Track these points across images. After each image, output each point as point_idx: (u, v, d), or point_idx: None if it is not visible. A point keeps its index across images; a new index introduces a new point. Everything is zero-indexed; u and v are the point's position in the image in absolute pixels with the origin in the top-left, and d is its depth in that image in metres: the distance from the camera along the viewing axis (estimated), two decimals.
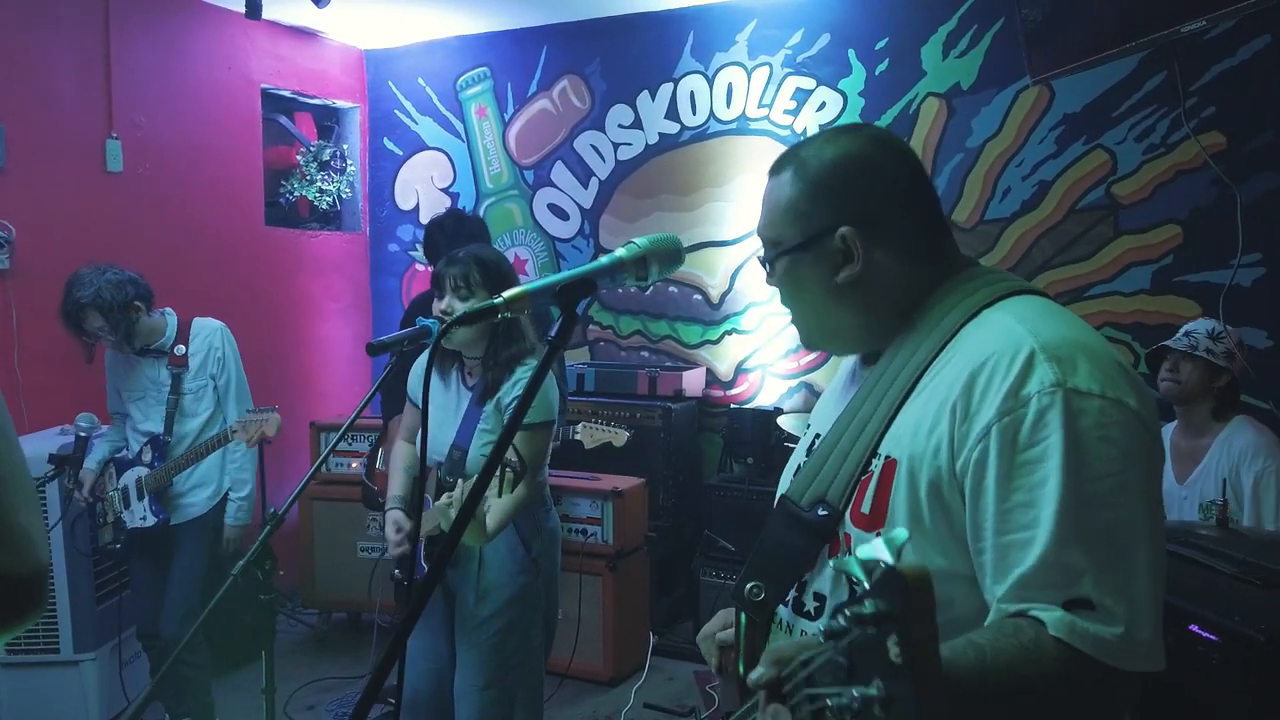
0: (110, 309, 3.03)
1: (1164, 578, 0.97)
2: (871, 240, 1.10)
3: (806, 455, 1.24)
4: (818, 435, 1.24)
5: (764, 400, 4.58)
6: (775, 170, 1.19)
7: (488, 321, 2.47)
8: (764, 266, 1.21)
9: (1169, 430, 3.02)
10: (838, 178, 1.12)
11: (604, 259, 1.22)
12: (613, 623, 3.98)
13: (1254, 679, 1.36)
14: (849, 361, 1.31)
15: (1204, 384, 2.82)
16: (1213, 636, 1.45)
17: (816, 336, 1.23)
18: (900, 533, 0.74)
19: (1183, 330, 2.90)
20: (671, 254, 1.26)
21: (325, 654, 4.40)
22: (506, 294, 1.17)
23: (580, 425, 3.69)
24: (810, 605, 1.13)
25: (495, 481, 2.27)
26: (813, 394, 4.48)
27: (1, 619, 0.68)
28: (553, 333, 1.13)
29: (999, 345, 0.99)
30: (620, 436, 3.63)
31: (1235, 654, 1.41)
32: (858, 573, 0.78)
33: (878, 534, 1.01)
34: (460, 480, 2.42)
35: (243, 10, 4.26)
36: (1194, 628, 1.48)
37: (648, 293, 4.85)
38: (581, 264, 4.66)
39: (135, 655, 3.56)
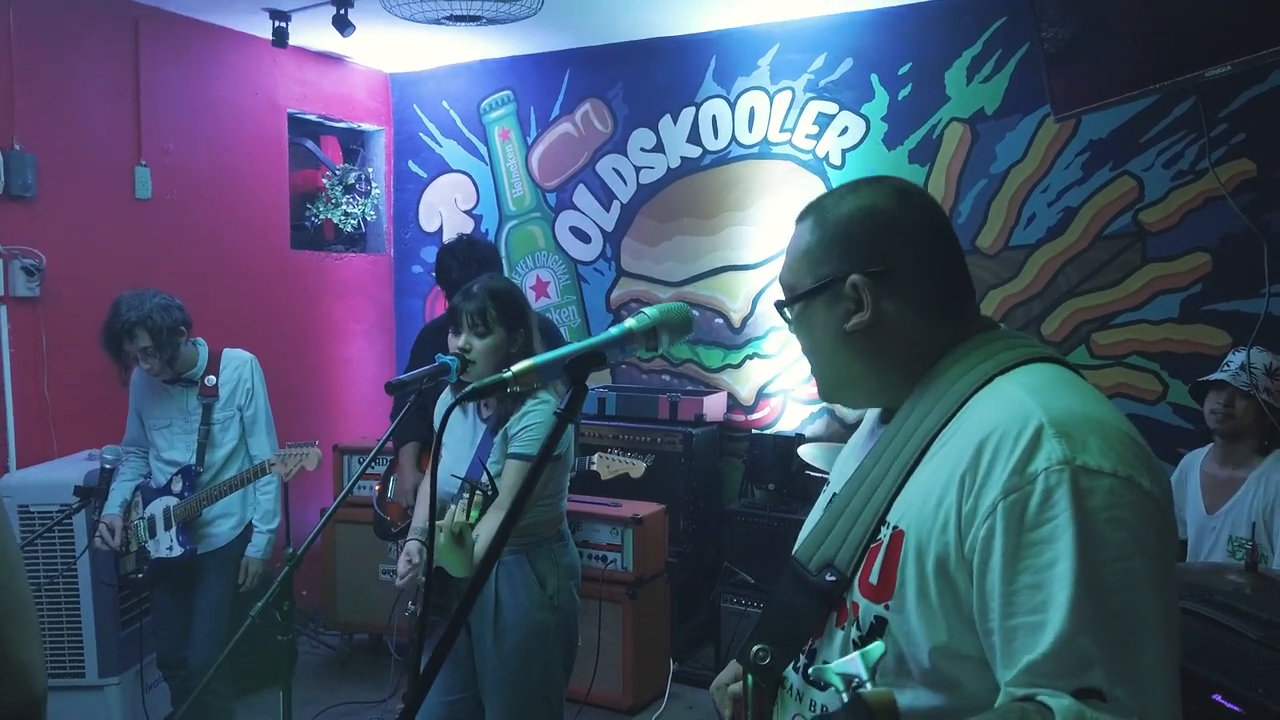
0: (159, 330, 3.07)
1: (1178, 669, 0.94)
2: (882, 290, 1.10)
3: (823, 512, 1.23)
4: (834, 493, 1.22)
5: (786, 425, 4.56)
6: (800, 218, 1.21)
7: (504, 353, 2.49)
8: (780, 313, 1.22)
9: (1200, 457, 2.97)
10: (854, 227, 1.13)
11: (614, 330, 1.23)
12: (632, 650, 3.97)
13: None
14: (870, 417, 1.29)
15: (1257, 422, 2.77)
16: (1237, 708, 1.42)
17: (831, 386, 1.22)
18: (876, 648, 0.74)
19: (1238, 362, 2.80)
20: (681, 324, 1.27)
21: (347, 677, 4.42)
22: (515, 369, 1.17)
23: (597, 456, 3.67)
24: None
25: (465, 505, 2.27)
26: (834, 420, 4.46)
27: None
28: (562, 404, 1.13)
29: (1007, 417, 0.97)
30: (638, 468, 3.61)
31: None
32: (837, 683, 0.76)
33: (886, 606, 1.02)
34: (452, 505, 2.41)
35: (269, 37, 4.33)
36: (1217, 697, 1.45)
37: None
38: (603, 286, 4.67)
39: (158, 680, 3.59)
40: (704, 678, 4.19)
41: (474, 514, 2.19)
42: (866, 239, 1.12)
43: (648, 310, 1.25)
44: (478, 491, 2.16)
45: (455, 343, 2.58)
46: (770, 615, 1.18)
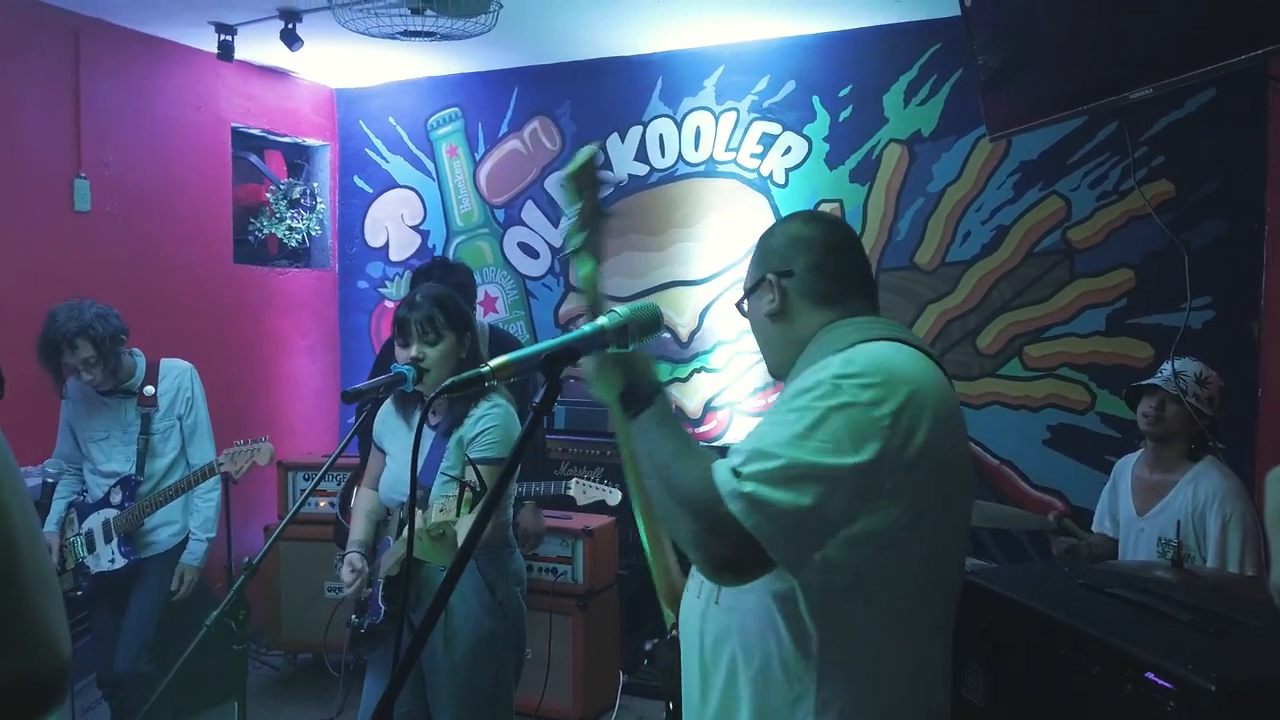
0: (101, 340, 3.04)
1: (819, 516, 1.22)
2: (787, 285, 1.47)
3: None
4: None
5: (733, 438, 4.64)
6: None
7: (454, 358, 2.52)
8: (739, 310, 1.58)
9: (1131, 461, 3.08)
10: (774, 243, 1.52)
11: (587, 327, 1.28)
12: (582, 662, 3.98)
13: None
14: None
15: (1186, 426, 2.86)
16: (1169, 685, 1.50)
17: (768, 361, 1.55)
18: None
19: (1173, 369, 2.88)
20: (651, 322, 1.33)
21: (290, 697, 4.35)
22: (494, 363, 1.22)
23: (574, 482, 3.71)
24: None
25: (453, 501, 2.29)
26: None
27: (26, 716, 0.69)
28: (537, 399, 1.18)
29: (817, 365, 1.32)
30: (614, 496, 3.67)
31: (1189, 702, 1.47)
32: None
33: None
34: (430, 506, 2.42)
35: (214, 51, 4.30)
36: (1150, 675, 1.54)
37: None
38: (551, 302, 4.70)
39: (95, 702, 3.50)
40: (654, 689, 4.21)
41: (464, 510, 2.20)
42: (780, 250, 1.49)
43: (619, 309, 1.31)
44: (467, 489, 2.18)
45: (405, 354, 2.57)
46: None
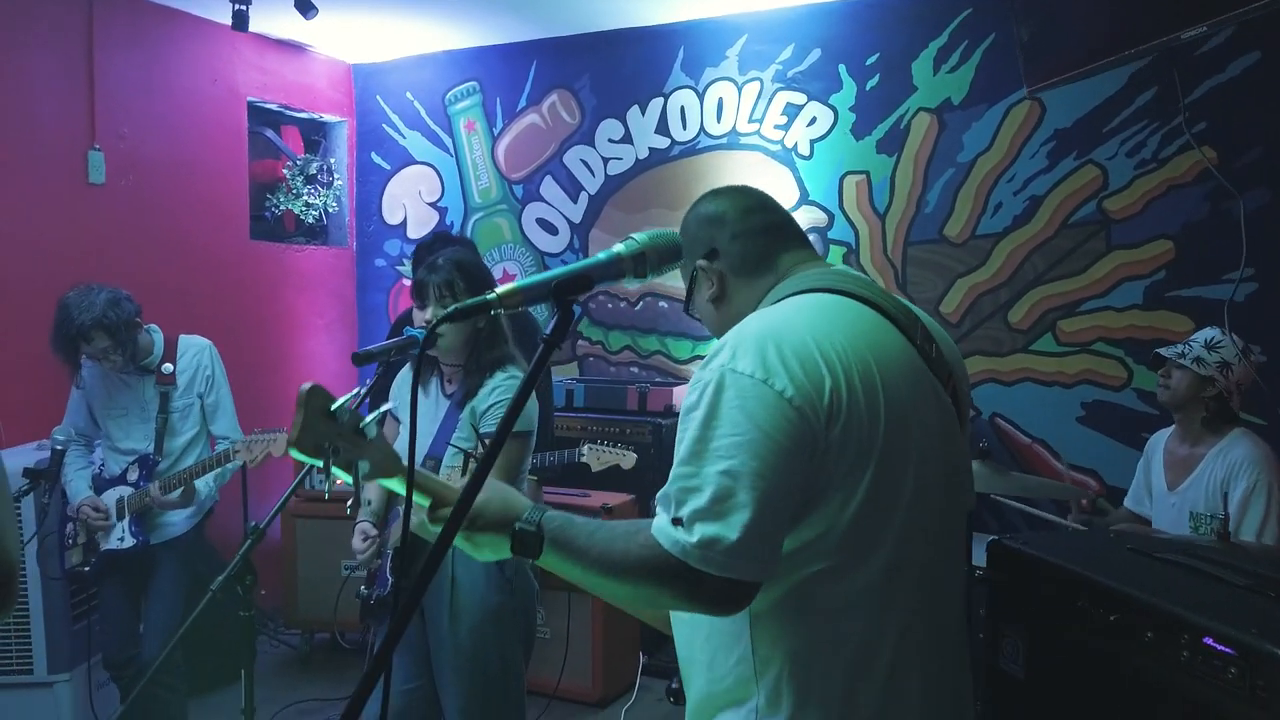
0: (116, 328, 2.96)
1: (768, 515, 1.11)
2: (717, 265, 1.40)
3: None
4: None
5: None
6: None
7: (472, 326, 2.45)
8: (688, 314, 1.51)
9: (1164, 436, 3.00)
10: (691, 232, 1.44)
11: (601, 254, 1.19)
12: (601, 643, 3.90)
13: (1273, 693, 1.31)
14: None
15: (1192, 392, 2.81)
16: (1230, 650, 1.40)
17: None
18: None
19: (1189, 339, 2.90)
20: (671, 250, 1.23)
21: (307, 675, 4.30)
22: (500, 289, 1.13)
23: (586, 447, 3.60)
24: None
25: (459, 473, 2.22)
26: None
27: None
28: (547, 330, 1.09)
29: (708, 355, 1.22)
30: (628, 459, 3.56)
31: (1252, 667, 1.36)
32: None
33: None
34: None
35: (229, 22, 4.23)
36: (1209, 640, 1.44)
37: (638, 308, 4.80)
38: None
39: (108, 680, 3.46)
40: (674, 670, 4.13)
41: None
42: (698, 235, 1.43)
43: (636, 235, 1.21)
44: (472, 461, 2.10)
45: (422, 316, 2.52)
46: None
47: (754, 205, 1.43)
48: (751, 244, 1.39)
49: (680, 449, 1.16)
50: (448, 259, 2.49)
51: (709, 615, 1.19)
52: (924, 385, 1.25)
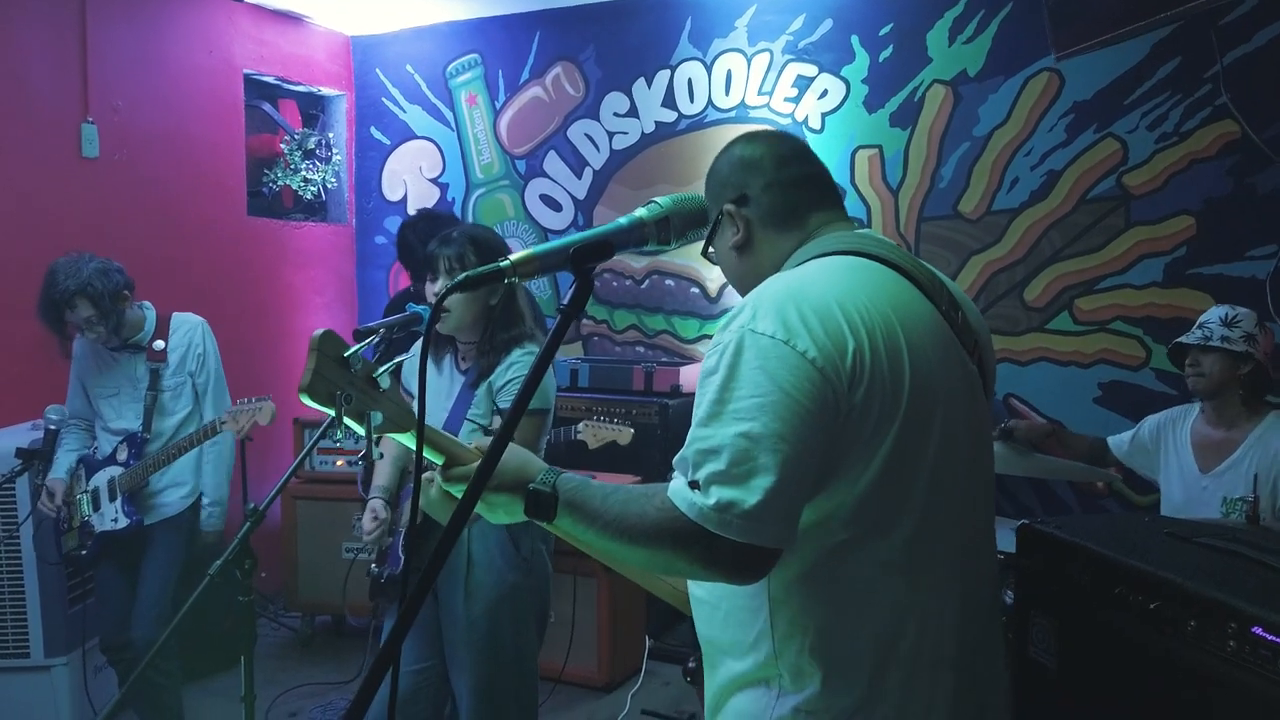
0: (101, 297, 2.89)
1: (793, 478, 1.06)
2: (746, 212, 1.32)
3: None
4: None
5: None
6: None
7: (483, 301, 2.37)
8: (706, 257, 1.40)
9: (1191, 416, 2.92)
10: (722, 174, 1.35)
11: (623, 219, 1.12)
12: (608, 626, 3.85)
13: None
14: None
15: (1228, 373, 2.73)
16: (1278, 639, 1.32)
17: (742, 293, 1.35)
18: None
19: (1197, 323, 2.82)
20: (696, 214, 1.16)
21: (309, 658, 4.24)
22: (514, 256, 1.05)
23: (582, 424, 3.52)
24: None
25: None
26: None
27: None
28: (565, 300, 1.00)
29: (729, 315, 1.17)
30: (625, 434, 3.47)
31: None
32: None
33: None
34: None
35: None
36: (1258, 630, 1.36)
37: (644, 286, 4.72)
38: None
39: (105, 664, 3.40)
40: (680, 654, 4.08)
41: None
42: (730, 179, 1.34)
43: (660, 199, 1.13)
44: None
45: (431, 290, 2.45)
46: None
47: (791, 154, 1.36)
48: (783, 196, 1.32)
49: (698, 411, 1.11)
50: (463, 232, 2.42)
51: (727, 583, 1.14)
52: (950, 351, 1.21)
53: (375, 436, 1.15)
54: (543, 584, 2.54)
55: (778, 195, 1.32)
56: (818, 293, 1.13)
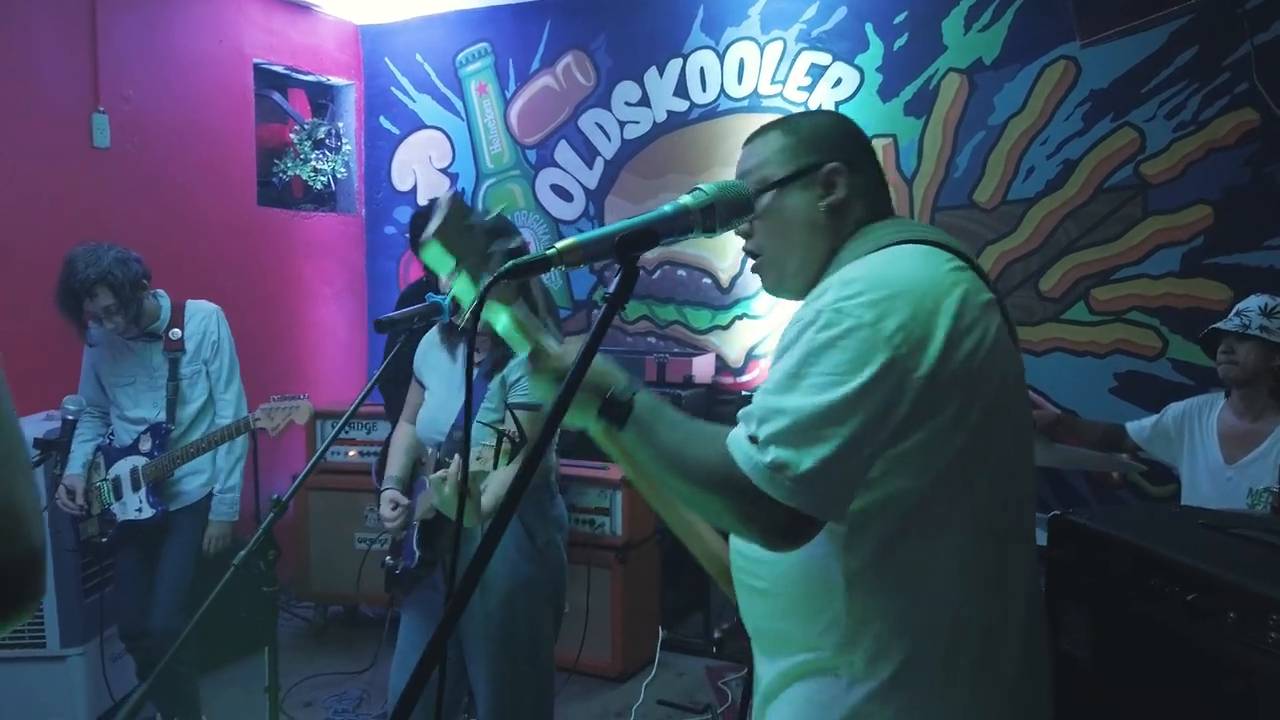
0: (121, 286, 2.88)
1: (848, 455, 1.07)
2: (848, 179, 1.28)
3: None
4: None
5: None
6: (758, 135, 1.34)
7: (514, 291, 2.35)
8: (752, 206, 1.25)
9: (1217, 406, 2.90)
10: (825, 130, 1.32)
11: (667, 206, 1.10)
12: (622, 617, 3.84)
13: None
14: None
15: (1262, 363, 2.70)
16: None
17: (784, 274, 1.32)
18: None
19: (1234, 310, 2.78)
20: (741, 202, 1.14)
21: (322, 649, 4.25)
22: (560, 244, 1.03)
23: None
24: None
25: (490, 452, 2.12)
26: None
27: None
28: (610, 289, 0.99)
29: (833, 277, 1.17)
30: None
31: None
32: None
33: None
34: (455, 457, 2.26)
35: None
36: None
37: (655, 276, 4.70)
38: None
39: (122, 652, 3.40)
40: (694, 645, 4.08)
41: (503, 461, 2.03)
42: (836, 139, 1.31)
43: (704, 185, 1.12)
44: (505, 439, 2.00)
45: (448, 281, 2.42)
46: None
47: (870, 145, 1.36)
48: (880, 179, 1.32)
49: (773, 376, 1.12)
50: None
51: (761, 544, 1.13)
52: (1011, 339, 1.22)
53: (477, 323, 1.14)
54: (558, 575, 2.53)
55: (876, 177, 1.32)
56: (900, 276, 1.13)
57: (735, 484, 1.07)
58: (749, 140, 1.35)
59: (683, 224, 1.09)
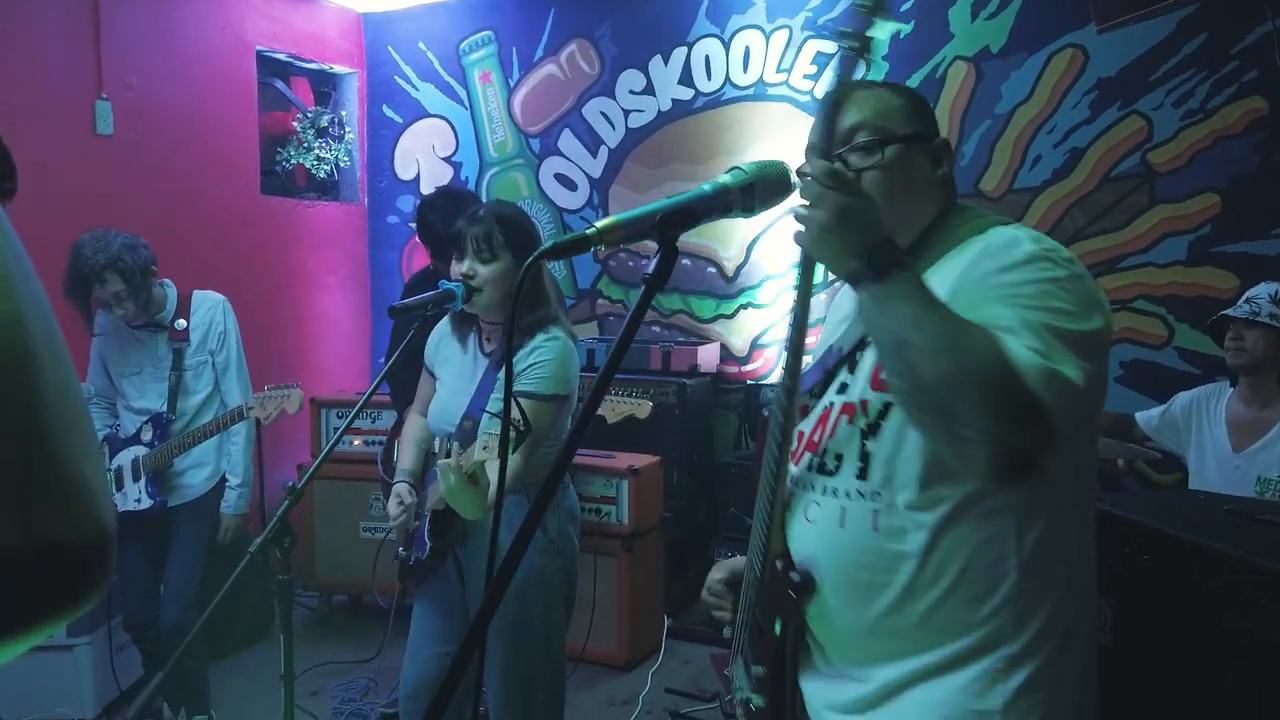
0: (131, 272, 2.87)
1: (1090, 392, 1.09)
2: (947, 156, 1.31)
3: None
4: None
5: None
6: (862, 87, 1.30)
7: (513, 283, 2.33)
8: (864, 149, 1.25)
9: (1225, 395, 2.91)
10: (925, 105, 1.33)
11: (706, 186, 1.09)
12: (628, 605, 3.84)
13: None
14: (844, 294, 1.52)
15: (1270, 350, 2.70)
16: None
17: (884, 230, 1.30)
18: None
19: (1244, 297, 2.78)
20: (781, 181, 1.13)
21: (326, 638, 4.24)
22: (600, 224, 1.02)
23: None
24: (830, 464, 1.25)
25: (497, 442, 2.11)
26: None
27: (58, 600, 0.50)
28: (649, 269, 0.98)
29: (998, 240, 1.19)
30: (644, 407, 3.44)
31: None
32: None
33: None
34: (458, 445, 2.25)
35: None
36: None
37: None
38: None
39: (128, 642, 3.39)
40: (699, 633, 4.08)
41: (510, 452, 2.01)
42: (932, 116, 1.33)
43: (744, 165, 1.11)
44: (512, 428, 1.98)
45: (458, 269, 2.40)
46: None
47: None
48: (949, 165, 1.33)
49: (1050, 300, 1.09)
50: (489, 209, 2.37)
51: (994, 470, 1.02)
52: None
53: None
54: (570, 567, 2.52)
55: (951, 161, 1.34)
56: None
57: (1008, 390, 1.00)
58: (860, 86, 1.29)
59: (722, 203, 1.08)
